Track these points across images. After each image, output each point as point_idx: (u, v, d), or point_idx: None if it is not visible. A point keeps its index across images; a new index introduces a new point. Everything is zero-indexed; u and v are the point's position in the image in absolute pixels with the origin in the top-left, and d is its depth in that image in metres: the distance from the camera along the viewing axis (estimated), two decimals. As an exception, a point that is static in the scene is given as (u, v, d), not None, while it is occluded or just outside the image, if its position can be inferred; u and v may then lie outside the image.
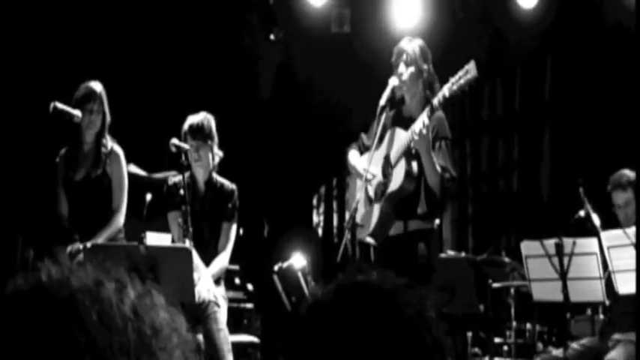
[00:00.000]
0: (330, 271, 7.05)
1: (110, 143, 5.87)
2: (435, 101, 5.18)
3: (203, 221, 5.84)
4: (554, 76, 8.78)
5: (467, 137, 9.25)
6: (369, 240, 5.40)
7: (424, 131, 5.12)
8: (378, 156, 5.38)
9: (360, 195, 5.32)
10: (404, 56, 5.43)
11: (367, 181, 5.39)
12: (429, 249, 5.44)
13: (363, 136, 5.75)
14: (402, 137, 5.34)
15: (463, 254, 7.50)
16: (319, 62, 9.12)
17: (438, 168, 5.27)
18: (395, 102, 5.50)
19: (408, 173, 5.32)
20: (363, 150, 5.70)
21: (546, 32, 8.63)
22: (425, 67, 5.44)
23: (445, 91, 5.16)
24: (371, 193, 5.45)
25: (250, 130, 9.09)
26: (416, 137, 5.15)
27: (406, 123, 5.41)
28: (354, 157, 5.70)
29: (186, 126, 5.85)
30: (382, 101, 5.35)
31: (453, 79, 5.13)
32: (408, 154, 5.32)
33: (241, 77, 9.13)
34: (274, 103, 9.47)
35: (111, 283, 1.17)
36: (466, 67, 5.10)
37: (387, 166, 5.43)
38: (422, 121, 5.15)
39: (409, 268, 5.08)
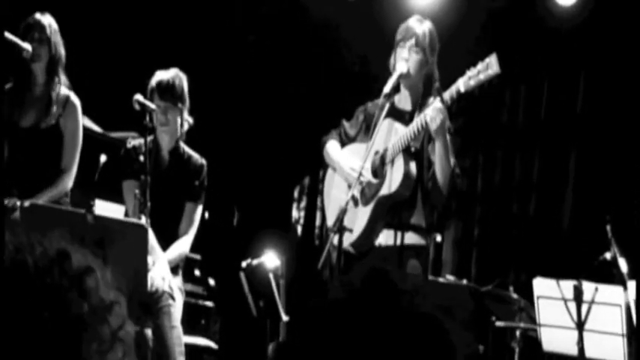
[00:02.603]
0: (307, 278, 6.92)
1: (66, 91, 5.76)
2: (447, 95, 5.10)
3: (164, 196, 5.72)
4: (589, 85, 8.52)
5: (480, 146, 9.09)
6: (349, 249, 5.35)
7: (443, 111, 5.03)
8: (365, 150, 5.29)
9: (350, 195, 5.22)
10: (412, 40, 5.37)
11: (361, 183, 5.32)
12: (424, 269, 5.42)
13: (345, 124, 5.71)
14: (400, 132, 5.29)
15: (465, 282, 7.36)
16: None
17: (452, 159, 5.21)
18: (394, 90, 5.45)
19: (407, 175, 5.27)
20: (345, 140, 5.67)
21: (583, 32, 8.43)
22: (431, 58, 5.42)
23: (460, 85, 5.06)
24: (356, 193, 5.37)
25: (229, 96, 9.01)
26: (435, 123, 5.02)
27: (400, 115, 5.40)
28: (334, 149, 5.66)
29: (153, 82, 5.78)
30: (387, 89, 5.28)
31: (470, 73, 5.04)
32: (407, 152, 5.26)
33: (222, 31, 9.00)
34: (260, 68, 9.30)
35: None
36: (487, 60, 5.00)
37: (381, 164, 5.36)
38: (434, 106, 5.06)
39: None
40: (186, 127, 5.89)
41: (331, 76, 9.23)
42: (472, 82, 5.01)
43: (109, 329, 1.19)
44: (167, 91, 5.70)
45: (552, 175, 8.63)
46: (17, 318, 1.12)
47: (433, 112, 5.04)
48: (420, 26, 5.43)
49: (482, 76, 4.98)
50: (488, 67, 4.97)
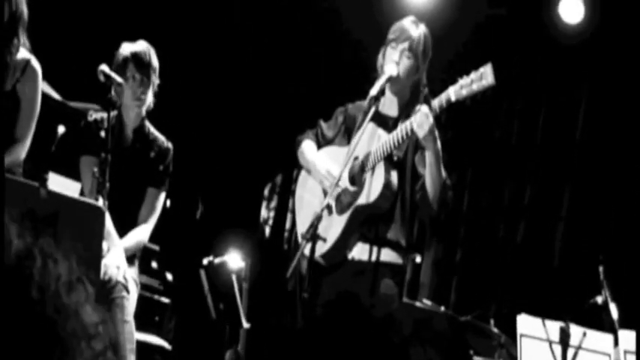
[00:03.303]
0: (271, 285, 6.75)
1: (26, 54, 5.46)
2: (436, 103, 4.97)
3: (125, 178, 5.56)
4: (590, 108, 8.44)
5: (469, 162, 9.02)
6: (319, 260, 5.21)
7: (431, 118, 4.90)
8: (343, 154, 5.18)
9: (325, 201, 5.04)
10: (406, 44, 5.28)
11: (338, 188, 5.20)
12: (400, 290, 5.30)
13: (323, 124, 5.61)
14: (383, 139, 5.19)
15: (443, 308, 7.25)
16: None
17: (444, 172, 5.10)
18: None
19: (387, 185, 5.16)
20: (322, 142, 5.57)
21: (586, 51, 8.36)
22: (423, 65, 5.34)
23: (451, 94, 4.92)
24: (331, 201, 5.23)
25: (204, 81, 8.98)
26: (423, 130, 4.89)
27: (384, 120, 5.32)
28: (310, 149, 5.55)
29: (127, 52, 5.59)
30: (374, 91, 5.14)
31: (462, 82, 4.90)
32: (389, 161, 5.16)
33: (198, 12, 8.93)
34: (241, 58, 9.23)
35: None
36: (481, 70, 4.86)
37: (360, 171, 5.24)
38: (422, 112, 4.94)
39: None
40: (151, 106, 5.75)
41: (312, 73, 9.17)
42: (464, 92, 4.88)
43: (91, 352, 0.98)
44: (146, 63, 5.58)
45: (545, 203, 8.57)
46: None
47: (421, 118, 4.91)
48: (415, 30, 5.30)
49: (475, 87, 4.85)
50: (483, 77, 4.85)
